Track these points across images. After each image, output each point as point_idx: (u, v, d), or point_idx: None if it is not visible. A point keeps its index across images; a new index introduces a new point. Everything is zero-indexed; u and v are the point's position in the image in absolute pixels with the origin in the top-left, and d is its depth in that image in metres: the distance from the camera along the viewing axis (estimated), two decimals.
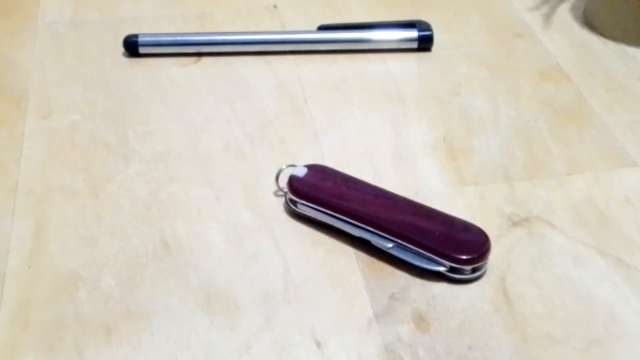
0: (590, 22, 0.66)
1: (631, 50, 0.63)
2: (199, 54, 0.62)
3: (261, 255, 0.45)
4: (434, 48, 0.62)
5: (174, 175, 0.51)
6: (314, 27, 0.64)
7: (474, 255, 0.43)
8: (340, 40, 0.63)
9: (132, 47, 0.61)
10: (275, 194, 0.49)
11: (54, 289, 0.43)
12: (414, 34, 0.62)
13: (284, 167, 0.49)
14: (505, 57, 0.62)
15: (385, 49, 0.62)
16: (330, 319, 0.41)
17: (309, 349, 0.40)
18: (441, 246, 0.43)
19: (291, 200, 0.47)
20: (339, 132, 0.54)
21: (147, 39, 0.62)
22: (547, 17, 0.67)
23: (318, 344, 0.40)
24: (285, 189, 0.47)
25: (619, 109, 0.57)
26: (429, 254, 0.43)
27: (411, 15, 0.66)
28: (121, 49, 0.62)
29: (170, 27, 0.65)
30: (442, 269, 0.43)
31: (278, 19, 0.67)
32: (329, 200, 0.46)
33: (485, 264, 0.43)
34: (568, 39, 0.64)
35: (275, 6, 0.68)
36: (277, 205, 0.48)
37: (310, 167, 0.48)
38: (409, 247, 0.43)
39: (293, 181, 0.47)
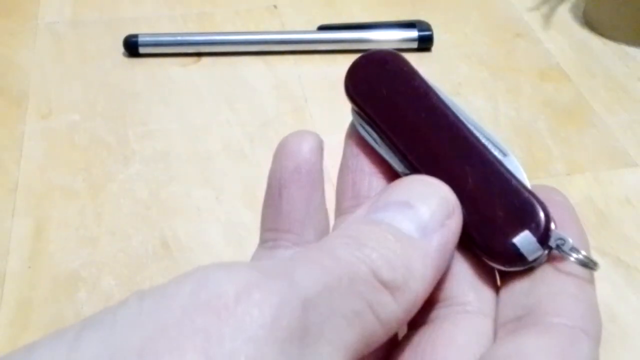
0: (590, 22, 0.66)
1: (631, 50, 0.63)
2: (199, 54, 0.62)
3: None
4: (434, 48, 0.62)
5: (174, 175, 0.51)
6: (314, 27, 0.64)
7: None
8: (340, 40, 0.63)
9: (132, 47, 0.61)
10: None
11: (54, 289, 0.43)
12: (413, 34, 0.62)
13: None
14: (505, 57, 0.62)
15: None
16: None
17: None
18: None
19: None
20: (339, 132, 0.54)
21: (147, 39, 0.62)
22: (547, 17, 0.67)
23: None
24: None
25: (619, 109, 0.57)
26: None
27: (411, 15, 0.66)
28: (121, 49, 0.62)
29: (170, 27, 0.65)
30: None
31: (278, 19, 0.67)
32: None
33: None
34: (568, 39, 0.64)
35: (275, 6, 0.68)
36: None
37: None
38: None
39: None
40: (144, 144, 0.53)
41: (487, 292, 0.23)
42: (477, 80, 0.60)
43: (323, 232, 0.25)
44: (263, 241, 0.25)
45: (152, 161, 0.52)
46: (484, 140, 0.25)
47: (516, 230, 0.23)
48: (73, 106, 0.57)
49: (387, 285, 0.20)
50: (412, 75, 0.28)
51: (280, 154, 0.26)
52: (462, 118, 0.26)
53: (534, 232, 0.23)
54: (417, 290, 0.21)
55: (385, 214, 0.22)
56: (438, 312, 0.22)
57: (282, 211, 0.25)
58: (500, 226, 0.23)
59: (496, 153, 0.24)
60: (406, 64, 0.27)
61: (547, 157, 0.52)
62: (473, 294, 0.22)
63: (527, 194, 0.23)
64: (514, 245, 0.22)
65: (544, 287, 0.22)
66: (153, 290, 0.18)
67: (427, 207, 0.22)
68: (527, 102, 0.57)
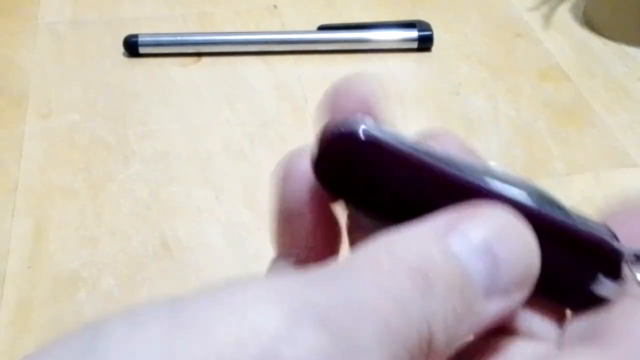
0: (590, 22, 0.66)
1: (631, 50, 0.63)
2: (199, 54, 0.62)
3: (261, 255, 0.45)
4: (434, 48, 0.62)
5: (174, 175, 0.51)
6: (314, 27, 0.64)
7: None
8: (340, 40, 0.63)
9: (132, 47, 0.61)
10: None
11: (54, 289, 0.43)
12: (413, 34, 0.62)
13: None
14: (505, 57, 0.62)
15: (385, 49, 0.62)
16: None
17: None
18: None
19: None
20: None
21: (147, 39, 0.62)
22: (547, 17, 0.67)
23: None
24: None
25: (619, 109, 0.57)
26: None
27: (411, 15, 0.66)
28: (121, 49, 0.62)
29: (170, 27, 0.65)
30: None
31: (278, 19, 0.67)
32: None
33: None
34: (568, 39, 0.64)
35: (275, 6, 0.68)
36: None
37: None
38: None
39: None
40: (144, 144, 0.53)
41: (550, 318, 0.21)
42: (477, 80, 0.60)
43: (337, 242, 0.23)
44: (280, 255, 0.23)
45: (152, 161, 0.52)
46: (505, 189, 0.21)
47: (589, 277, 0.20)
48: (73, 106, 0.57)
49: (432, 349, 0.17)
50: (387, 144, 0.21)
51: (286, 175, 0.23)
52: (469, 175, 0.21)
53: (608, 272, 0.20)
54: (449, 352, 0.18)
55: (463, 250, 0.18)
56: (497, 339, 0.20)
57: (296, 229, 0.22)
58: (571, 277, 0.20)
59: (522, 196, 0.21)
60: (376, 134, 0.21)
61: (547, 157, 0.52)
62: (537, 320, 0.20)
63: (585, 232, 0.21)
64: (591, 292, 0.20)
65: (615, 311, 0.20)
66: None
67: (511, 269, 0.18)
68: (527, 102, 0.57)
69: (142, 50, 0.61)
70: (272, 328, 0.15)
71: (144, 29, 0.64)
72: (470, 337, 0.19)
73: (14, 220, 0.47)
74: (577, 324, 0.20)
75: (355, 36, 0.63)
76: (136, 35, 0.61)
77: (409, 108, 0.56)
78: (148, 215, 0.47)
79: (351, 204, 0.22)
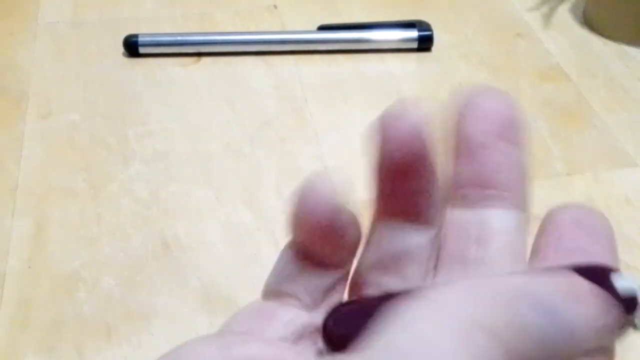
0: (590, 22, 0.66)
1: (631, 50, 0.63)
2: (199, 54, 0.62)
3: (261, 255, 0.45)
4: (434, 48, 0.62)
5: (174, 175, 0.51)
6: (314, 27, 0.64)
7: None
8: (340, 40, 0.63)
9: (132, 47, 0.61)
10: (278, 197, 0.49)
11: (54, 289, 0.43)
12: (413, 34, 0.62)
13: None
14: (505, 57, 0.62)
15: (385, 49, 0.62)
16: None
17: None
18: None
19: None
20: (339, 132, 0.54)
21: (147, 39, 0.62)
22: (547, 17, 0.67)
23: None
24: None
25: (619, 109, 0.57)
26: None
27: (411, 15, 0.66)
28: (121, 49, 0.62)
29: (170, 27, 0.65)
30: None
31: (278, 19, 0.67)
32: None
33: None
34: (568, 39, 0.64)
35: (275, 6, 0.68)
36: (277, 205, 0.48)
37: None
38: None
39: None
40: (144, 144, 0.53)
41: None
42: (477, 80, 0.59)
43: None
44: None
45: (152, 161, 0.52)
46: None
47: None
48: (73, 106, 0.57)
49: None
50: None
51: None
52: None
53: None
54: None
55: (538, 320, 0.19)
56: None
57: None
58: None
59: None
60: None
61: (547, 157, 0.52)
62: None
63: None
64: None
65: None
66: None
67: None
68: (527, 102, 0.57)
69: (142, 50, 0.61)
70: None
71: (144, 29, 0.64)
72: None
73: (14, 220, 0.47)
74: None
75: (355, 36, 0.63)
76: (136, 35, 0.61)
77: None
78: (148, 215, 0.47)
79: None
